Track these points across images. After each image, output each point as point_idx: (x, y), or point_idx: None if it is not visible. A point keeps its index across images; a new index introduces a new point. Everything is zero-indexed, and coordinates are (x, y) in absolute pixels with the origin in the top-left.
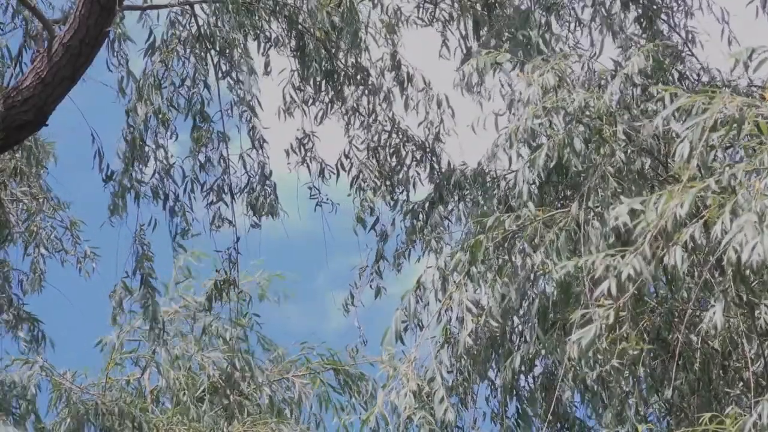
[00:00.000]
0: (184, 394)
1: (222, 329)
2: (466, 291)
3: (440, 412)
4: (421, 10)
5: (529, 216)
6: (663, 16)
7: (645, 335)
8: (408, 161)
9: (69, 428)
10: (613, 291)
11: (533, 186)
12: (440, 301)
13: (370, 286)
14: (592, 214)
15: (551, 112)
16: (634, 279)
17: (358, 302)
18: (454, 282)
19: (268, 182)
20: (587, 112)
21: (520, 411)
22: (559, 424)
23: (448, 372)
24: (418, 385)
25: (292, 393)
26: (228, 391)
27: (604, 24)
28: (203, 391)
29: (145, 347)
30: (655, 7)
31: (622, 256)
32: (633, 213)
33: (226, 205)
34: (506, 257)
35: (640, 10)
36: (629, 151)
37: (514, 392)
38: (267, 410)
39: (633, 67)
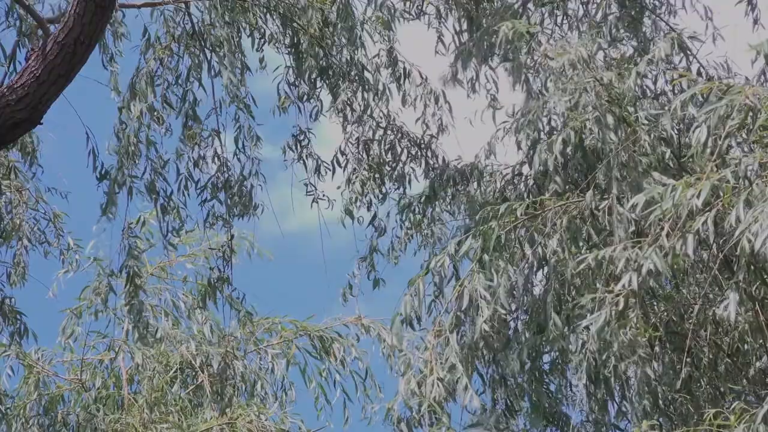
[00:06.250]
0: (159, 377)
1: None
2: (479, 278)
3: (465, 399)
4: (407, 3)
5: (542, 203)
6: (646, 19)
7: (656, 328)
8: (403, 157)
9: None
10: (634, 285)
11: (554, 169)
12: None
13: (368, 277)
14: (615, 201)
15: (579, 89)
16: (653, 273)
17: (357, 291)
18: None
19: (246, 183)
20: (612, 93)
21: (508, 403)
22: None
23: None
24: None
25: (266, 363)
26: (201, 371)
27: (592, 28)
28: (175, 371)
29: (114, 328)
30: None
31: (640, 248)
32: (649, 202)
33: (220, 202)
34: (517, 245)
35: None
36: (652, 136)
37: (504, 385)
38: (240, 388)
39: (660, 52)
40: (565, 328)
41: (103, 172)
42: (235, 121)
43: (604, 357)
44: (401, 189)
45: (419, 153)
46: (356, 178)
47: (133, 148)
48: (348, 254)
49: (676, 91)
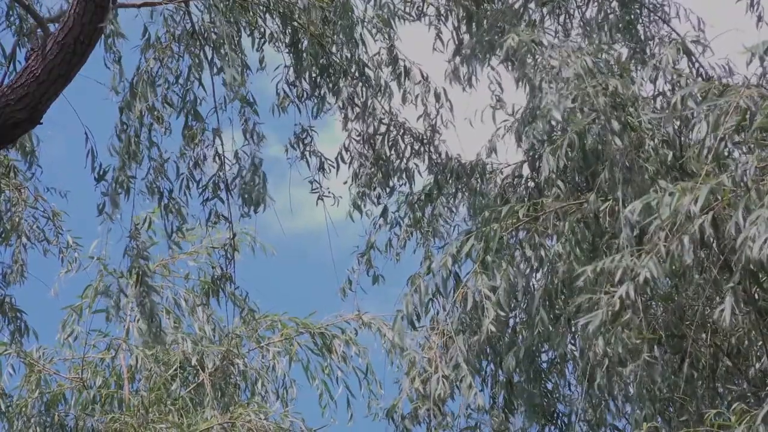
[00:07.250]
0: (157, 376)
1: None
2: (482, 279)
3: (470, 397)
4: (408, 5)
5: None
6: (640, 25)
7: (655, 332)
8: (407, 153)
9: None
10: (631, 295)
11: (557, 173)
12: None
13: (367, 273)
14: (617, 206)
15: (587, 95)
16: (650, 282)
17: (356, 287)
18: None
19: (258, 173)
20: (618, 99)
21: (507, 401)
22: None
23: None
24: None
25: (266, 361)
26: (202, 369)
27: (587, 27)
28: (175, 369)
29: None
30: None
31: (638, 257)
32: (647, 209)
33: (222, 201)
34: (519, 247)
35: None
36: (656, 141)
37: (509, 384)
38: (241, 386)
39: (667, 59)
40: (563, 327)
41: (101, 172)
42: (241, 115)
43: (600, 358)
44: (407, 185)
45: (422, 149)
46: (363, 172)
47: (134, 148)
48: (353, 253)
49: (675, 90)
